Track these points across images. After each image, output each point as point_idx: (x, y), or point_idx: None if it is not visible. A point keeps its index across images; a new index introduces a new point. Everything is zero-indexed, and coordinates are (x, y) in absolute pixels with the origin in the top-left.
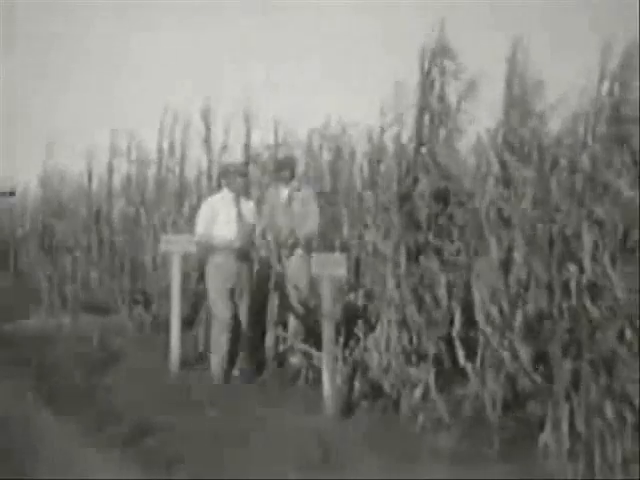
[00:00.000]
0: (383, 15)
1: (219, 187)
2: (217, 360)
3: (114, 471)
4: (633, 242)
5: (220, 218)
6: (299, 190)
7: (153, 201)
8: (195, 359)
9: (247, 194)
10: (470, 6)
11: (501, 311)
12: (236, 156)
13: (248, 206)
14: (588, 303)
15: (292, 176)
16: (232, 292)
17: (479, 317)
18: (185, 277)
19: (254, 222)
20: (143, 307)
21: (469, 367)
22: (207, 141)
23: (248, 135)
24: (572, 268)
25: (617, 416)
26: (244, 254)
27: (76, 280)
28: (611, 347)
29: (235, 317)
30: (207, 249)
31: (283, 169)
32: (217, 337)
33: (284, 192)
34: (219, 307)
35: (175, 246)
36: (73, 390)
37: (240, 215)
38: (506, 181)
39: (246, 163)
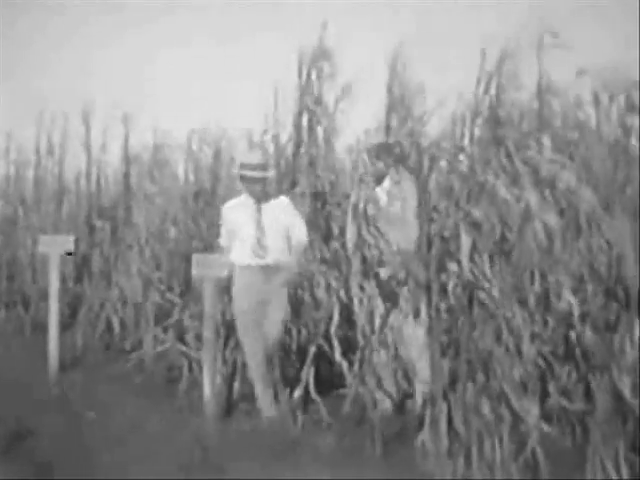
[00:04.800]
0: (264, 16)
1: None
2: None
3: None
4: (510, 243)
5: (239, 231)
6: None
7: (32, 201)
8: (74, 361)
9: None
10: (352, 7)
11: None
12: (114, 157)
13: (279, 209)
14: (465, 303)
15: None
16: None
17: (357, 317)
18: (63, 278)
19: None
20: (22, 308)
21: (345, 367)
22: (86, 142)
23: (126, 136)
24: (451, 268)
25: (494, 415)
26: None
27: None
28: (488, 347)
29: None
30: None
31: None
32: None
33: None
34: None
35: (53, 247)
36: None
37: (261, 228)
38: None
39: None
